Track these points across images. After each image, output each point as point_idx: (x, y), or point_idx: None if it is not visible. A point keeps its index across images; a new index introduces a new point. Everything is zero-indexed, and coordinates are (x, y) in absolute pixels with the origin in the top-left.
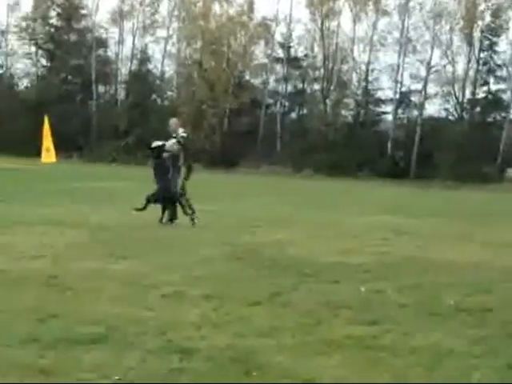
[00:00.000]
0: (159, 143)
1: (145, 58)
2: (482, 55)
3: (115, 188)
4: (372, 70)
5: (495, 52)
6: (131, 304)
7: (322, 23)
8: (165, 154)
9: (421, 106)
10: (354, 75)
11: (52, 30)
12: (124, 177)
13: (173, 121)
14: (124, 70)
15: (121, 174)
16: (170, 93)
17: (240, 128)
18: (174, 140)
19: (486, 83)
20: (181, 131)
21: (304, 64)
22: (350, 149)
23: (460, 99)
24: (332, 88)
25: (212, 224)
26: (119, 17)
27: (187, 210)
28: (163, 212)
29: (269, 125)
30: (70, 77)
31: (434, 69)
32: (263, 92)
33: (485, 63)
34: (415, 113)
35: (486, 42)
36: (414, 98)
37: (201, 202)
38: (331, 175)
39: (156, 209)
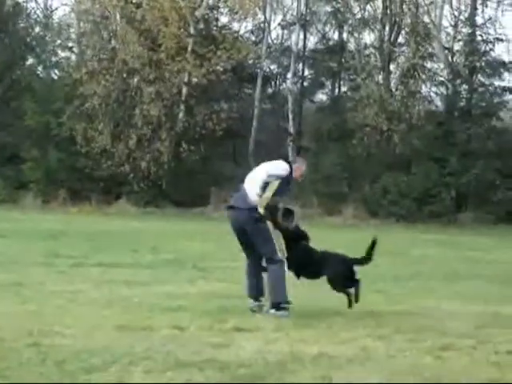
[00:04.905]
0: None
1: None
2: None
3: None
4: (485, 3)
5: None
6: None
7: None
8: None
9: None
10: (447, 12)
11: None
12: None
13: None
14: None
15: None
16: (62, 54)
17: (209, 127)
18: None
19: None
20: None
21: None
22: (439, 167)
23: None
24: (400, 40)
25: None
26: None
27: None
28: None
29: (270, 119)
30: None
31: None
32: (257, 50)
33: None
34: None
35: None
36: None
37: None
38: (398, 219)
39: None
